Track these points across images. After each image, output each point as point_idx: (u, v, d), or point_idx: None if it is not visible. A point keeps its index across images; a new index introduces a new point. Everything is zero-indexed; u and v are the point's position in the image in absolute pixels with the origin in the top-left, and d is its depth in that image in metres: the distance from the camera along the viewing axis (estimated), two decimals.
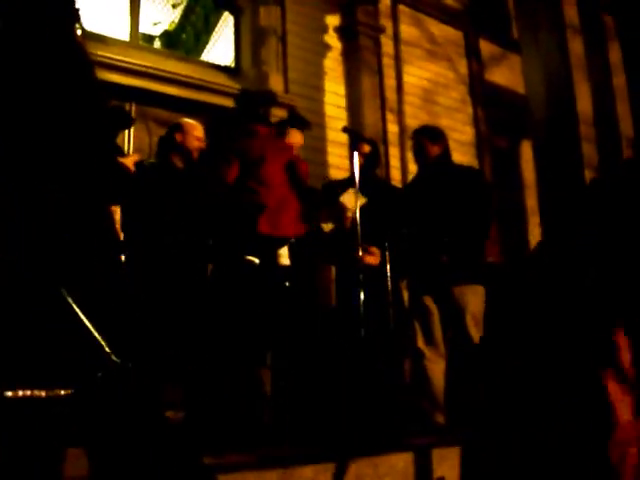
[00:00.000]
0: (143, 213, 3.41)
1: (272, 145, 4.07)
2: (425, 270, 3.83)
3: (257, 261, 3.76)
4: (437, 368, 3.79)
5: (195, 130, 3.77)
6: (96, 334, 1.64)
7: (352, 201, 3.96)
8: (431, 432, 3.55)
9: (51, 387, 1.60)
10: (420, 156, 4.05)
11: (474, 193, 3.86)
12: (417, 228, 3.90)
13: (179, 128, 3.76)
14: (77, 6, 2.02)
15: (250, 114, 4.24)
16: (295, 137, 4.38)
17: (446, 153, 4.03)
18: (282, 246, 3.89)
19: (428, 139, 4.01)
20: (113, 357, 1.64)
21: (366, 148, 4.56)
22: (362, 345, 3.61)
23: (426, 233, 3.83)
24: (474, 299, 3.79)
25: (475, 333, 3.75)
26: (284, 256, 3.89)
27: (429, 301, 3.84)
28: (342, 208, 4.27)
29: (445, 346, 3.84)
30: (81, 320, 1.64)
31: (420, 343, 3.80)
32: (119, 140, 4.80)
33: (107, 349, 1.64)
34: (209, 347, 3.58)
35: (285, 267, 3.90)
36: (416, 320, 3.84)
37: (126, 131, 5.05)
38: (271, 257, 3.85)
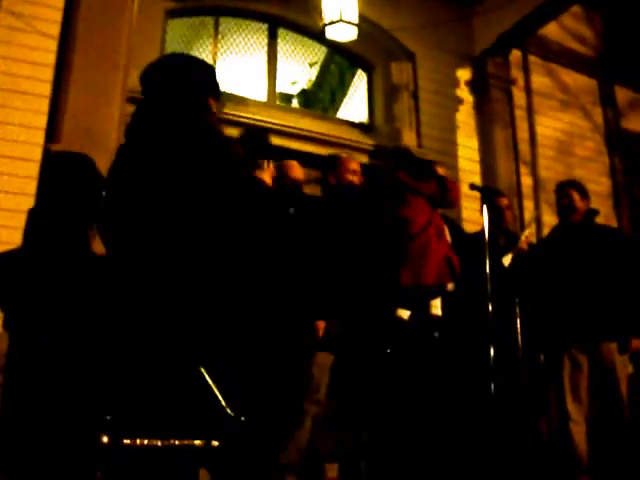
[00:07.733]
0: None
1: (414, 195, 3.92)
2: (578, 326, 3.72)
3: (406, 315, 3.72)
4: (581, 429, 3.70)
5: (348, 164, 3.81)
6: (214, 388, 1.69)
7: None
8: None
9: (167, 438, 1.68)
10: (567, 210, 3.93)
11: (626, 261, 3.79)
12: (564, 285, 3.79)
13: (331, 166, 3.83)
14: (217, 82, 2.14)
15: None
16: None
17: (593, 212, 3.92)
18: (434, 297, 3.81)
19: (579, 193, 3.91)
20: (228, 410, 1.68)
21: (504, 202, 4.51)
22: (493, 402, 3.55)
23: (577, 290, 3.73)
24: (621, 358, 3.71)
25: (624, 392, 3.65)
26: (436, 306, 3.82)
27: (581, 357, 3.73)
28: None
29: (588, 405, 3.74)
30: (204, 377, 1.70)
31: (569, 401, 3.70)
32: None
33: (223, 403, 1.68)
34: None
35: (436, 317, 3.82)
36: (565, 377, 3.74)
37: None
38: (422, 308, 3.77)
